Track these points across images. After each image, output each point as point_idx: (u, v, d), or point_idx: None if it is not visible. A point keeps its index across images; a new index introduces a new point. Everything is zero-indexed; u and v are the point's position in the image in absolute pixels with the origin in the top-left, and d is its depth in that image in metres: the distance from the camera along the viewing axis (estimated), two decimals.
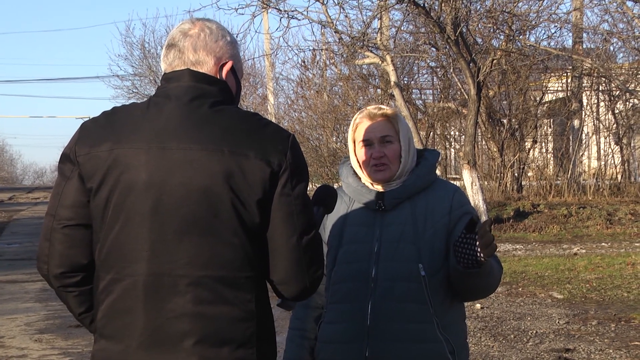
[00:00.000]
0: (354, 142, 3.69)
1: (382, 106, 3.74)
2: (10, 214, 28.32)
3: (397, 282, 3.52)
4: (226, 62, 2.90)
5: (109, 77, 48.63)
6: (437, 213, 3.58)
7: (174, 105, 2.81)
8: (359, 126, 3.67)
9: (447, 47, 18.29)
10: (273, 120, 33.85)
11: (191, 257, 2.70)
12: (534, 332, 9.15)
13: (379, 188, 3.66)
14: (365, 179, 3.70)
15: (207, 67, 2.86)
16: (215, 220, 2.70)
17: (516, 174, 24.20)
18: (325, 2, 18.65)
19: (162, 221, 2.72)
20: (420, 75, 27.24)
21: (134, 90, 48.89)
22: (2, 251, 18.30)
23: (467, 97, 18.88)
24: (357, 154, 3.68)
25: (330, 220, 3.73)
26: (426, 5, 17.30)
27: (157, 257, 2.71)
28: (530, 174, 25.60)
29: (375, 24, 19.56)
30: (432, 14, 17.19)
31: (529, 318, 9.86)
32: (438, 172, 20.89)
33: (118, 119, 2.83)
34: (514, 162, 23.85)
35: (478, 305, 10.43)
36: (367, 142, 3.64)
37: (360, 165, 3.68)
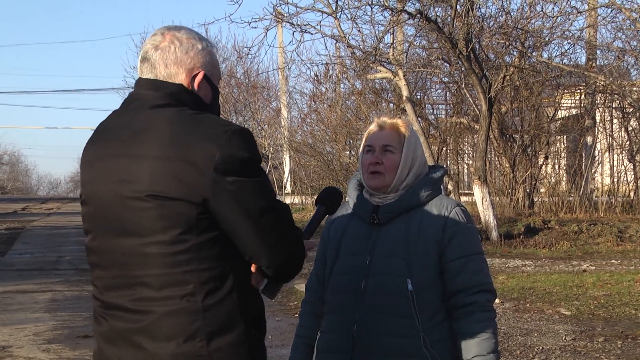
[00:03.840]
0: (363, 149, 3.75)
1: (398, 118, 3.79)
2: (22, 224, 28.38)
3: (384, 296, 3.56)
4: (197, 73, 2.96)
5: (124, 89, 48.66)
6: (431, 229, 3.60)
7: (121, 114, 2.96)
8: (369, 133, 3.74)
9: (459, 62, 18.28)
10: (286, 133, 33.99)
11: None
12: (540, 348, 9.12)
13: (376, 201, 3.69)
14: (366, 191, 3.75)
15: (179, 79, 2.94)
16: (142, 223, 2.79)
17: (528, 190, 24.14)
18: (338, 17, 18.68)
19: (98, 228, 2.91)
20: (433, 90, 27.27)
21: None
22: (13, 261, 18.36)
23: (478, 112, 18.88)
24: (361, 160, 3.75)
25: (331, 233, 3.79)
26: (438, 20, 17.34)
27: None
28: (542, 190, 25.54)
29: (388, 38, 19.59)
30: (445, 29, 17.22)
31: (535, 334, 9.83)
32: (450, 187, 21.05)
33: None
34: (525, 178, 23.80)
35: None
36: (369, 148, 3.69)
37: (362, 171, 3.73)
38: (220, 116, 3.04)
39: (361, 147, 3.79)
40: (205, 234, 2.77)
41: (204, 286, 2.77)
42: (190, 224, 2.75)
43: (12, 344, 9.69)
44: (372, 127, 3.75)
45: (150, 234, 2.77)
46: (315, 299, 3.86)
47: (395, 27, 19.38)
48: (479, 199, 18.00)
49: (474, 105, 19.72)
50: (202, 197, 2.73)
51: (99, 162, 2.90)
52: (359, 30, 19.55)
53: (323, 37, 19.21)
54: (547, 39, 20.43)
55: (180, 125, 2.80)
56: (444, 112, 28.14)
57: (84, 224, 3.00)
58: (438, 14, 17.99)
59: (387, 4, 17.47)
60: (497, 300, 11.63)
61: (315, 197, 3.53)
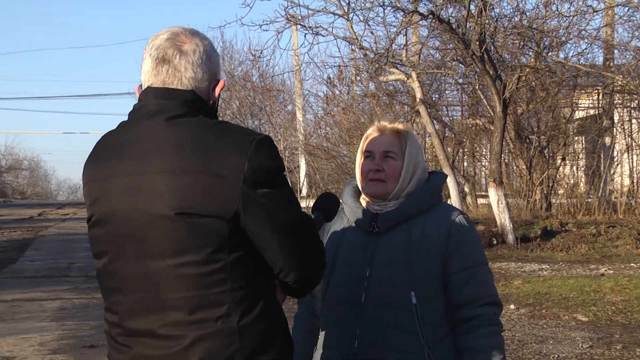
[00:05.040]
0: (362, 154, 3.56)
1: (397, 122, 3.62)
2: (37, 230, 28.40)
3: (386, 309, 3.36)
4: (219, 81, 2.81)
5: None
6: (433, 238, 3.41)
7: (132, 127, 2.75)
8: (368, 137, 3.56)
9: (473, 63, 18.06)
10: (301, 137, 33.88)
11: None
12: (556, 356, 8.91)
13: (375, 209, 3.50)
14: (363, 198, 3.56)
15: (203, 86, 2.77)
16: (171, 243, 2.62)
17: (545, 192, 23.88)
18: (350, 19, 18.50)
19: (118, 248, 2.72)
20: (449, 91, 27.07)
21: None
22: (24, 268, 18.26)
23: (492, 114, 18.66)
24: (359, 166, 3.56)
25: (327, 242, 3.59)
26: (451, 21, 17.12)
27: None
28: (560, 191, 25.29)
29: (401, 40, 19.39)
30: (458, 29, 17.00)
31: (551, 341, 9.60)
32: (466, 189, 20.87)
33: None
34: (542, 179, 23.55)
35: None
36: (369, 154, 3.51)
37: (360, 177, 3.54)
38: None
39: (359, 152, 3.60)
40: (237, 250, 2.62)
41: (239, 306, 2.62)
42: (222, 242, 2.59)
43: (15, 355, 9.54)
44: (371, 132, 3.57)
45: (181, 254, 2.60)
46: (309, 314, 3.68)
47: (408, 28, 19.15)
48: (495, 201, 17.79)
49: (488, 107, 19.43)
50: (233, 211, 2.58)
51: (116, 179, 2.70)
52: (371, 32, 19.37)
53: (335, 39, 19.00)
54: (563, 38, 20.18)
55: (204, 136, 2.64)
56: (459, 114, 27.95)
57: (95, 246, 2.79)
58: (451, 14, 17.76)
59: (399, 5, 17.26)
60: (512, 306, 11.44)
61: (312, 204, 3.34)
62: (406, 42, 19.36)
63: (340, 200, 3.52)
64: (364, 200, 3.56)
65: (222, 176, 2.58)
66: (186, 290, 2.60)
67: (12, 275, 16.87)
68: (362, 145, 3.57)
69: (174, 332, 2.62)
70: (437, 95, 26.07)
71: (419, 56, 20.33)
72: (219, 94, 2.81)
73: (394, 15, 18.22)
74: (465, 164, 27.80)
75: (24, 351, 9.77)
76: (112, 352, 2.78)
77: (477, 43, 16.69)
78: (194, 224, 2.58)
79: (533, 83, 21.39)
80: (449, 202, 22.03)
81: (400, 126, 3.55)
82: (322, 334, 3.55)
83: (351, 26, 18.70)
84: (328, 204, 3.28)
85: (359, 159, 3.58)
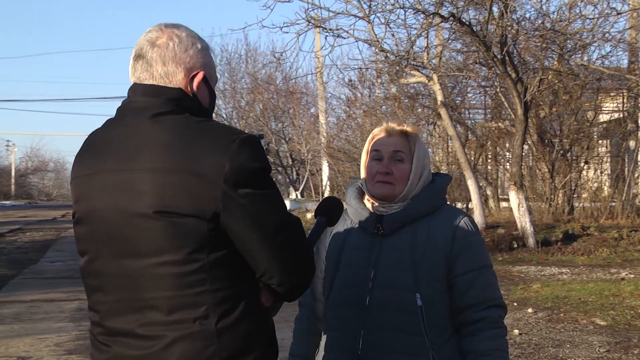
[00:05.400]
0: (367, 154, 3.52)
1: (407, 125, 3.57)
2: (59, 231, 28.56)
3: (391, 312, 3.32)
4: (197, 73, 2.73)
5: None
6: (439, 240, 3.37)
7: (117, 124, 2.71)
8: (375, 138, 3.51)
9: (494, 65, 17.97)
10: (323, 139, 33.89)
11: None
12: None
13: (380, 210, 3.46)
14: (368, 200, 3.52)
15: (177, 79, 2.70)
16: (149, 242, 2.56)
17: (567, 196, 23.72)
18: (371, 21, 18.47)
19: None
20: (472, 94, 26.95)
21: None
22: (44, 269, 18.33)
23: (514, 117, 18.56)
24: (365, 167, 3.51)
25: (330, 243, 3.56)
26: (473, 23, 17.05)
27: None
28: (584, 195, 25.12)
29: (422, 42, 19.34)
30: (480, 32, 16.92)
31: (568, 345, 9.50)
32: (489, 192, 20.75)
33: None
34: (565, 183, 23.39)
35: (516, 331, 10.11)
36: (377, 155, 3.47)
37: (367, 178, 3.50)
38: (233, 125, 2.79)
39: (365, 152, 3.55)
40: (217, 251, 2.55)
41: (217, 308, 2.56)
42: (201, 242, 2.53)
43: (32, 355, 9.55)
44: (378, 132, 3.53)
45: (159, 253, 2.55)
46: (310, 316, 3.65)
47: (429, 31, 19.10)
48: (515, 205, 17.68)
49: (509, 110, 19.32)
50: (213, 211, 2.52)
51: (98, 177, 2.67)
52: (392, 34, 19.29)
53: (356, 41, 18.96)
54: (587, 41, 20.03)
55: (186, 135, 2.57)
56: (482, 117, 27.82)
57: (78, 244, 2.76)
58: (472, 16, 17.69)
59: (419, 7, 17.20)
60: (529, 310, 11.35)
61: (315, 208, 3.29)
62: (427, 44, 19.31)
63: (344, 202, 3.48)
64: (368, 201, 3.52)
65: (202, 175, 2.52)
66: (165, 290, 2.55)
67: (32, 276, 16.94)
68: (368, 145, 3.53)
69: (153, 332, 2.57)
70: (460, 98, 25.98)
71: (440, 58, 20.25)
72: (199, 86, 2.74)
73: (414, 18, 18.09)
74: (489, 167, 27.67)
75: (40, 351, 9.78)
76: (94, 351, 2.75)
77: (499, 45, 16.60)
78: (172, 223, 2.53)
79: (556, 86, 21.23)
80: (470, 205, 21.95)
81: (408, 128, 3.52)
82: (324, 336, 3.52)
83: (372, 28, 18.67)
84: (331, 208, 3.21)
85: (364, 159, 3.54)
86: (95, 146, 2.74)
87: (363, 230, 3.47)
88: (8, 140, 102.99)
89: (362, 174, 3.54)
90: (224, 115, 49.78)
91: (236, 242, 2.58)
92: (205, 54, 2.78)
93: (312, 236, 3.09)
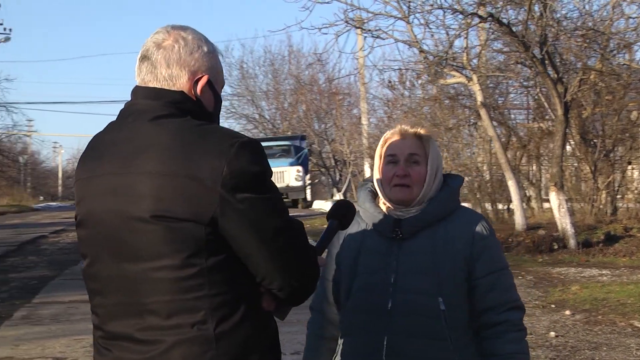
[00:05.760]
0: (381, 158, 3.50)
1: (421, 127, 3.57)
2: None
3: (414, 317, 3.32)
4: (201, 77, 2.73)
5: None
6: (458, 243, 3.37)
7: (119, 127, 2.73)
8: (388, 141, 3.50)
9: (534, 65, 17.83)
10: (365, 141, 33.86)
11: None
12: None
13: (397, 214, 3.45)
14: (383, 203, 3.50)
15: (180, 82, 2.71)
16: (147, 246, 2.57)
17: (610, 197, 23.45)
18: (410, 21, 18.41)
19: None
20: (514, 94, 26.74)
21: (232, 110, 49.61)
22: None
23: (554, 117, 18.40)
24: (381, 170, 3.49)
25: (344, 247, 3.54)
26: (512, 23, 16.94)
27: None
28: (628, 196, 24.80)
29: (461, 43, 19.24)
30: (520, 32, 16.81)
31: (604, 348, 9.39)
32: (532, 193, 20.54)
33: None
34: (608, 184, 23.13)
35: (552, 334, 10.02)
36: (393, 159, 3.46)
37: (381, 184, 3.47)
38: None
39: (378, 156, 3.54)
40: (215, 256, 2.55)
41: (215, 313, 2.56)
42: (199, 246, 2.53)
43: (67, 356, 9.64)
44: (391, 135, 3.51)
45: (157, 257, 2.55)
46: (323, 320, 3.64)
47: (469, 31, 18.99)
48: (556, 206, 17.53)
49: (549, 110, 19.15)
50: (210, 216, 2.51)
51: (97, 180, 2.68)
52: (432, 35, 19.24)
53: (396, 42, 18.92)
54: (630, 40, 19.78)
55: (185, 138, 2.57)
56: (524, 117, 27.61)
57: (80, 247, 2.78)
58: (511, 17, 17.57)
59: (458, 8, 17.13)
60: (567, 312, 11.26)
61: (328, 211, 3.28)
62: (467, 44, 19.21)
63: (356, 206, 3.47)
64: (383, 205, 3.51)
65: (200, 179, 2.51)
66: (163, 294, 2.55)
67: (72, 277, 17.04)
68: (382, 150, 3.51)
69: (152, 336, 2.58)
70: (502, 99, 25.79)
71: (479, 59, 20.14)
72: (202, 90, 2.73)
73: (453, 18, 18.00)
74: (533, 167, 27.41)
75: (76, 352, 9.87)
76: (96, 354, 2.76)
77: (538, 45, 16.48)
78: (170, 228, 2.53)
79: (598, 86, 20.99)
80: (510, 206, 21.80)
81: (422, 130, 3.51)
82: (342, 341, 3.50)
83: (411, 29, 18.62)
84: (343, 212, 3.19)
85: (378, 163, 3.53)
86: (97, 149, 2.76)
87: (379, 234, 3.46)
88: (55, 142, 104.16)
89: (376, 178, 3.52)
90: (267, 117, 50.00)
91: (235, 247, 2.57)
92: (212, 57, 2.78)
93: (323, 240, 3.08)
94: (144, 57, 2.74)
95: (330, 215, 3.18)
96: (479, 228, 3.40)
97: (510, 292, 3.41)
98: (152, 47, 2.73)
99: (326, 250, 3.23)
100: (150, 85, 2.72)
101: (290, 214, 2.69)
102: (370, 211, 3.51)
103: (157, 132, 2.61)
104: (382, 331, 3.33)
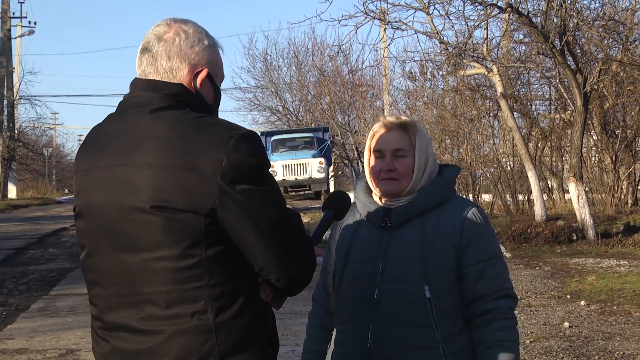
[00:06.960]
0: (370, 152, 3.54)
1: (402, 116, 3.57)
2: None
3: (400, 305, 3.34)
4: (201, 70, 2.76)
5: (232, 90, 49.24)
6: (448, 232, 3.38)
7: (117, 119, 2.76)
8: (375, 135, 3.52)
9: (553, 56, 17.78)
10: None
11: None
12: (621, 353, 8.70)
13: (388, 203, 3.48)
14: (375, 193, 3.54)
15: (180, 75, 2.74)
16: (146, 237, 2.60)
17: (632, 187, 23.35)
18: (430, 13, 18.41)
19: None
20: (535, 85, 26.65)
21: (256, 102, 49.61)
22: None
23: (573, 108, 18.35)
24: (369, 165, 3.53)
25: (340, 237, 3.59)
26: (530, 13, 16.90)
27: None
28: None
29: (481, 33, 19.22)
30: (540, 22, 16.77)
31: (618, 338, 9.38)
32: (554, 184, 20.46)
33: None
34: (629, 174, 23.02)
35: (566, 324, 10.02)
36: (379, 154, 3.48)
37: (371, 177, 3.51)
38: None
39: (366, 150, 3.57)
40: (214, 246, 2.59)
41: (215, 302, 2.59)
42: (198, 237, 2.57)
43: (81, 347, 9.67)
44: (378, 129, 3.52)
45: (157, 248, 2.58)
46: (323, 311, 3.68)
47: (488, 22, 18.96)
48: (575, 196, 17.50)
49: (569, 101, 19.08)
50: (210, 207, 2.55)
51: (97, 171, 2.71)
52: (452, 26, 19.21)
53: (415, 33, 18.92)
54: None
55: (184, 130, 2.60)
56: (546, 108, 27.49)
57: (79, 238, 2.81)
58: (530, 6, 17.54)
59: None
60: (582, 303, 11.25)
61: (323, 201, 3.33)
62: (486, 35, 19.18)
63: (352, 197, 3.52)
64: (376, 195, 3.54)
65: (199, 171, 2.54)
66: (162, 284, 2.58)
67: None
68: (370, 144, 3.53)
69: (151, 326, 2.60)
70: (523, 90, 25.71)
71: (497, 49, 20.09)
72: (202, 83, 2.75)
73: (473, 9, 17.97)
74: (554, 158, 27.30)
75: (90, 344, 9.91)
76: (95, 345, 2.79)
77: (558, 35, 16.43)
78: (169, 218, 2.55)
79: (619, 77, 20.89)
80: (531, 197, 21.75)
81: (408, 121, 3.51)
82: (335, 330, 3.55)
83: (431, 20, 18.61)
84: (339, 202, 3.23)
85: (367, 158, 3.55)
86: (96, 141, 2.78)
87: (372, 224, 3.49)
88: (80, 135, 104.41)
89: (367, 173, 3.55)
90: (291, 109, 49.95)
91: (233, 238, 2.60)
92: (212, 51, 2.81)
93: (318, 230, 3.12)
94: (145, 49, 2.77)
95: (326, 205, 3.22)
96: (470, 216, 3.41)
97: (499, 281, 3.40)
98: (153, 40, 2.76)
99: (323, 240, 3.27)
100: (151, 77, 2.75)
101: (287, 205, 2.73)
102: (364, 201, 3.54)
103: (156, 125, 2.63)
104: (368, 319, 3.36)
